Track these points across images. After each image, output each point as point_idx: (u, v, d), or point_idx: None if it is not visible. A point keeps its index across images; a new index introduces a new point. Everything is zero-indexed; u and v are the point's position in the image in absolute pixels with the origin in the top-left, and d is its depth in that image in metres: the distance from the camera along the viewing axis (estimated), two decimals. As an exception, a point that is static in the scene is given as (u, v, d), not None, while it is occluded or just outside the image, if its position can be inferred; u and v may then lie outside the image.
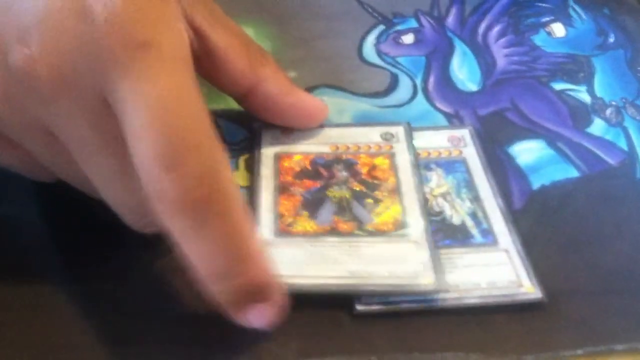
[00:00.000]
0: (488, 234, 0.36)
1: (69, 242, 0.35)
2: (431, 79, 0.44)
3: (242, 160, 0.39)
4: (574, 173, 0.40)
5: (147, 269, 0.34)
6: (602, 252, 0.36)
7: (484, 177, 0.38)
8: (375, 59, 0.45)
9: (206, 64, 0.35)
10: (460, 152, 0.39)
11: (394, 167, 0.38)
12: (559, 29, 0.48)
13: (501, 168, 0.39)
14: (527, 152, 0.40)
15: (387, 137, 0.40)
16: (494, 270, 0.34)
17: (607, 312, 0.33)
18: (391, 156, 0.39)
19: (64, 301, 0.33)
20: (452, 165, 0.39)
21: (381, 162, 0.38)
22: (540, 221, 0.37)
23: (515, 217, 0.37)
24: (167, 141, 0.27)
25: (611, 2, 0.50)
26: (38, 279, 0.33)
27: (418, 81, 0.44)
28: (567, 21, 0.49)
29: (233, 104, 0.41)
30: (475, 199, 0.37)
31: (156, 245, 0.34)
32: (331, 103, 0.42)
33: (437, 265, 0.33)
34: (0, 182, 0.36)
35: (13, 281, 0.33)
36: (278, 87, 0.38)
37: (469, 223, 0.36)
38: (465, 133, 0.41)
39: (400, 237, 0.35)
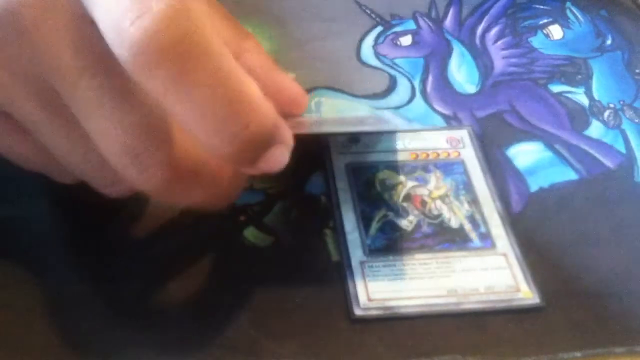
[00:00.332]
0: (486, 237, 0.36)
1: (69, 243, 0.35)
2: (429, 81, 0.44)
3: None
4: (572, 176, 0.40)
5: (147, 269, 0.34)
6: (600, 254, 0.36)
7: (483, 179, 0.38)
8: (374, 61, 0.45)
9: None
10: (459, 154, 0.40)
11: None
12: (556, 31, 0.48)
13: (499, 170, 0.39)
14: (525, 154, 0.40)
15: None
16: (492, 275, 0.34)
17: (606, 315, 0.33)
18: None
19: (64, 301, 0.33)
20: (450, 166, 0.39)
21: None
22: (538, 224, 0.37)
23: (513, 220, 0.37)
24: None
25: (608, 4, 0.50)
26: (39, 279, 0.33)
27: (416, 83, 0.44)
28: (564, 23, 0.49)
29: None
30: (474, 201, 0.37)
31: (157, 245, 0.34)
32: (330, 104, 0.42)
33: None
34: (1, 183, 0.36)
35: (14, 281, 0.33)
36: (260, 61, 0.37)
37: (467, 226, 0.36)
38: (464, 134, 0.41)
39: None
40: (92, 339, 0.31)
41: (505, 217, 0.37)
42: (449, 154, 0.39)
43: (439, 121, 0.42)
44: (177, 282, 0.33)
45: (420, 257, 0.35)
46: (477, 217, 0.37)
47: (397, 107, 0.43)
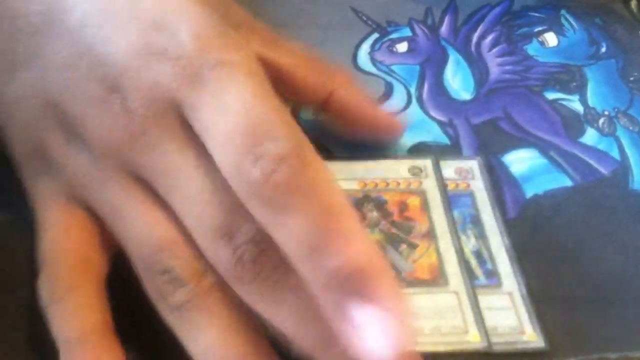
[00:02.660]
0: (492, 275, 0.35)
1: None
2: (425, 88, 0.44)
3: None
4: (567, 182, 0.40)
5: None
6: (594, 261, 0.36)
7: (492, 214, 0.37)
8: (370, 67, 0.45)
9: (277, 86, 0.33)
10: (468, 185, 0.39)
11: (426, 207, 0.37)
12: (551, 39, 0.48)
13: (495, 177, 0.39)
14: (520, 161, 0.41)
15: (416, 172, 0.39)
16: (496, 315, 0.33)
17: (600, 321, 0.34)
18: (421, 194, 0.38)
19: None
20: (458, 199, 0.38)
21: (412, 201, 0.37)
22: (533, 230, 0.37)
23: (508, 226, 0.37)
24: (246, 128, 0.27)
25: (603, 12, 0.50)
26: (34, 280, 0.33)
27: (412, 89, 0.44)
28: (559, 31, 0.49)
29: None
30: (481, 236, 0.36)
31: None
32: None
33: (479, 319, 0.33)
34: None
35: (11, 284, 0.33)
36: (353, 93, 0.39)
37: (473, 262, 0.35)
38: (473, 164, 0.40)
39: (439, 288, 0.34)
40: None
41: (512, 253, 0.36)
42: (457, 185, 0.38)
43: (435, 128, 0.42)
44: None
45: None
46: (484, 252, 0.36)
47: (393, 114, 0.43)
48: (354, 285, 0.25)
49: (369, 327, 0.25)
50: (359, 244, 0.26)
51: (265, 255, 0.27)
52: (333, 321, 0.26)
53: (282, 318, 0.28)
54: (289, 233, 0.26)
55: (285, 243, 0.26)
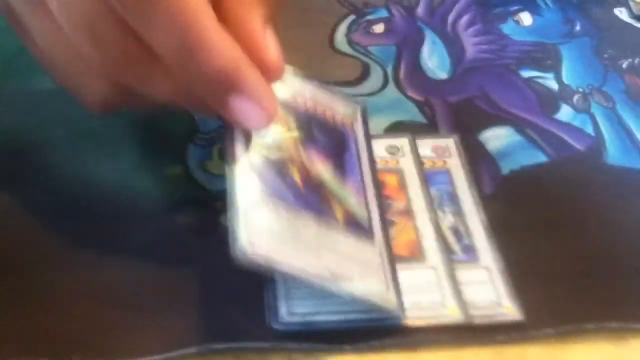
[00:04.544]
0: (470, 250, 0.35)
1: (64, 234, 0.35)
2: (402, 68, 0.45)
3: (216, 150, 0.39)
4: (542, 158, 0.40)
5: (124, 258, 0.34)
6: (571, 235, 0.37)
7: (468, 191, 0.38)
8: (347, 49, 0.46)
9: None
10: (444, 163, 0.39)
11: (403, 185, 0.38)
12: (526, 18, 0.49)
13: (472, 155, 0.40)
14: (496, 138, 0.41)
15: (393, 151, 0.39)
16: (474, 289, 0.34)
17: (577, 294, 0.34)
18: (399, 172, 0.38)
19: (57, 291, 0.33)
20: (435, 177, 0.38)
21: (390, 179, 0.38)
22: (510, 206, 0.38)
23: (485, 203, 0.37)
24: None
25: (578, -10, 0.51)
26: (31, 269, 0.34)
27: (389, 70, 0.45)
28: (534, 10, 0.49)
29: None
30: (458, 213, 0.37)
31: (152, 239, 0.34)
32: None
33: (457, 293, 0.33)
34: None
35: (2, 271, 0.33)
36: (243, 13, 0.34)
37: (451, 238, 0.36)
38: (450, 142, 0.40)
39: (418, 264, 0.34)
40: (84, 330, 0.32)
41: (490, 230, 0.36)
42: (434, 163, 0.39)
43: (412, 107, 0.42)
44: (153, 270, 0.34)
45: None
46: (461, 228, 0.36)
47: (370, 94, 0.43)
48: (225, 85, 0.30)
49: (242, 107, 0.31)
50: (225, 51, 0.29)
51: None
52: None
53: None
54: (156, 43, 0.29)
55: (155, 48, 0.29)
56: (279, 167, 0.33)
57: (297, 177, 0.33)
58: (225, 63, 0.29)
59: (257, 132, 0.33)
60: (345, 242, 0.33)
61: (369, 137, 0.38)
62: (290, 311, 0.32)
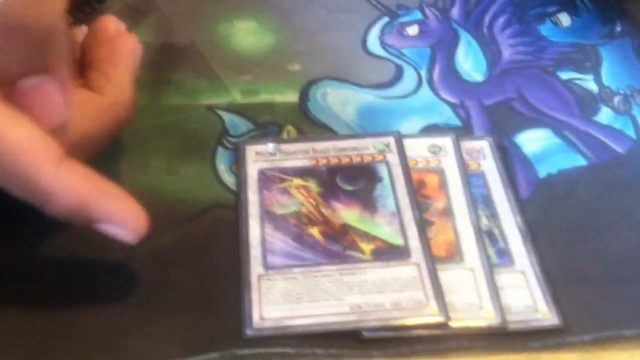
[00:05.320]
0: (504, 254, 0.34)
1: (84, 236, 0.35)
2: (436, 70, 0.44)
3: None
4: (581, 161, 0.39)
5: (145, 263, 0.34)
6: (609, 240, 0.36)
7: (503, 193, 0.37)
8: (380, 51, 0.45)
9: None
10: (479, 165, 0.38)
11: (444, 185, 0.37)
12: (565, 19, 0.48)
13: (508, 157, 0.39)
14: (533, 141, 0.40)
15: (435, 150, 0.38)
16: (510, 294, 0.33)
17: (614, 299, 0.33)
18: (440, 172, 0.38)
19: (75, 293, 0.33)
20: (469, 179, 0.37)
21: (431, 179, 0.37)
22: (547, 210, 0.37)
23: (521, 206, 0.36)
24: None
25: (617, -9, 0.50)
26: (49, 272, 0.33)
27: (423, 72, 0.44)
28: (573, 11, 0.48)
29: (236, 98, 0.41)
30: (493, 216, 0.36)
31: (154, 240, 0.34)
32: (335, 95, 0.42)
33: (494, 296, 0.32)
34: None
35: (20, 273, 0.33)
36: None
37: (485, 242, 0.35)
38: (484, 145, 0.39)
39: (455, 264, 0.34)
40: (83, 327, 0.32)
41: (526, 233, 0.35)
42: (468, 166, 0.38)
43: (446, 109, 0.42)
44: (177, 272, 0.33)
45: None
46: (496, 232, 0.35)
47: (404, 97, 0.42)
48: (84, 218, 0.30)
49: None
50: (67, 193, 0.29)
51: None
52: None
53: None
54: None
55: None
56: (297, 230, 0.35)
57: (317, 234, 0.35)
58: (71, 204, 0.29)
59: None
60: (373, 274, 0.33)
61: (405, 163, 0.38)
62: (263, 316, 0.32)
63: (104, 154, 0.38)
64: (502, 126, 0.41)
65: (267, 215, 0.35)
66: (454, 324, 0.32)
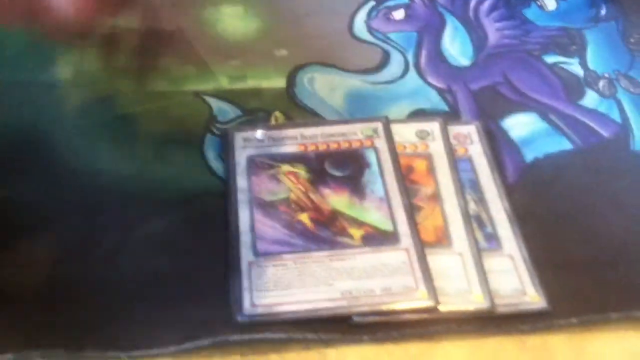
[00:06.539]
0: (492, 238, 0.35)
1: (80, 225, 0.35)
2: (423, 55, 0.44)
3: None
4: (567, 145, 0.39)
5: (160, 252, 0.34)
6: (596, 223, 0.36)
7: (491, 178, 0.37)
8: (366, 36, 0.45)
9: None
10: (466, 150, 0.38)
11: (432, 170, 0.37)
12: (550, 3, 0.48)
13: (495, 142, 0.39)
14: (520, 125, 0.40)
15: (423, 135, 0.38)
16: (498, 278, 0.33)
17: (602, 283, 0.33)
18: (428, 157, 0.38)
19: (72, 283, 0.33)
20: (456, 164, 0.38)
21: (419, 164, 0.37)
22: (534, 194, 0.37)
23: (508, 191, 0.37)
24: None
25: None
26: (45, 262, 0.33)
27: (409, 57, 0.44)
28: (558, -6, 0.48)
29: (223, 84, 0.41)
30: (481, 200, 0.36)
31: (145, 228, 0.34)
32: (323, 80, 0.42)
33: (482, 280, 0.33)
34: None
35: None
36: None
37: (473, 226, 0.35)
38: (471, 130, 0.39)
39: (443, 249, 0.34)
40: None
41: (513, 218, 0.35)
42: (455, 151, 0.38)
43: (433, 94, 0.42)
44: (168, 261, 0.33)
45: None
46: (484, 216, 0.35)
47: (390, 82, 0.42)
48: None
49: None
50: None
51: None
52: None
53: None
54: None
55: None
56: (286, 217, 0.35)
57: (306, 220, 0.35)
58: None
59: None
60: (362, 260, 0.33)
61: (393, 148, 0.38)
62: (254, 303, 0.32)
63: (91, 141, 0.38)
64: (489, 111, 0.41)
65: (257, 202, 0.35)
66: (443, 308, 0.32)
